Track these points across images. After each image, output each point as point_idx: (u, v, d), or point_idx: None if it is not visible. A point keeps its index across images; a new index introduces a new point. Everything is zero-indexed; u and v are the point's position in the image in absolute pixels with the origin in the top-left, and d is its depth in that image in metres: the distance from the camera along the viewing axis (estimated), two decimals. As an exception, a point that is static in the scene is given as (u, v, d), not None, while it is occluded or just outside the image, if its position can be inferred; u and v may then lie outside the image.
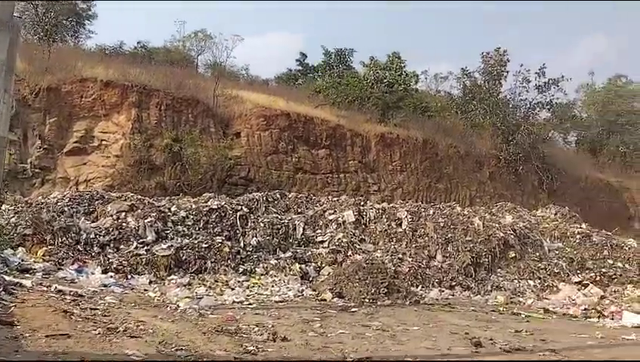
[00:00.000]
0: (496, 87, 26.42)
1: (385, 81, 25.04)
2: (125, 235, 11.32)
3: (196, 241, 11.55)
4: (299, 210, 14.22)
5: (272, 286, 10.55)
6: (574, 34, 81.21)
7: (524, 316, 8.97)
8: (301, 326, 7.17)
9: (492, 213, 14.94)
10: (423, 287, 11.51)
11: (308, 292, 10.34)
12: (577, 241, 14.09)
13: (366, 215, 13.91)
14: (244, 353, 5.49)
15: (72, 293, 7.85)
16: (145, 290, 9.62)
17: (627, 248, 13.85)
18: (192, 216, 12.36)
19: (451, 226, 13.48)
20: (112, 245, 11.09)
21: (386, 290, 10.07)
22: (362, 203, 14.77)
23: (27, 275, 8.73)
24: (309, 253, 12.45)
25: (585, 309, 9.27)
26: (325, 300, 9.75)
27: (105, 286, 9.10)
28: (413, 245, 12.96)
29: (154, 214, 12.05)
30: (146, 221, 11.85)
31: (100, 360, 4.76)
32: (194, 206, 12.75)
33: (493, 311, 9.51)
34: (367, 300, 9.69)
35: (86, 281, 9.23)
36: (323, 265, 12.06)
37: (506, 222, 14.11)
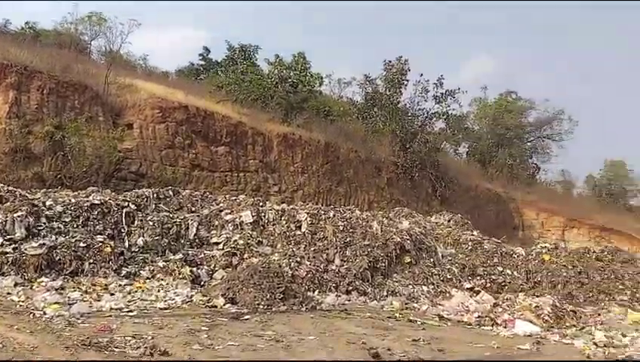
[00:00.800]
0: (396, 95, 26.95)
1: (289, 80, 24.66)
2: (-12, 231, 9.91)
3: (73, 240, 10.40)
4: (193, 209, 13.37)
5: (158, 292, 9.66)
6: (465, 54, 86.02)
7: (420, 323, 8.86)
8: (185, 338, 6.47)
9: (390, 218, 14.98)
10: (320, 292, 11.15)
11: (198, 298, 9.55)
12: (469, 248, 14.49)
13: (265, 216, 13.35)
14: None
15: None
16: (8, 294, 8.44)
17: (516, 256, 14.43)
18: (70, 212, 11.11)
19: (350, 230, 13.27)
20: (-30, 242, 9.65)
21: (282, 295, 9.57)
22: (261, 203, 14.21)
23: None
24: (202, 255, 11.67)
25: (479, 316, 9.36)
26: (216, 307, 9.06)
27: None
28: (312, 248, 12.59)
29: (25, 208, 10.68)
30: (15, 215, 10.47)
31: None
32: (73, 200, 11.48)
33: (389, 317, 9.33)
34: (262, 306, 9.13)
35: None
36: (216, 269, 11.33)
37: (403, 227, 14.16)
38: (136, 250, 11.14)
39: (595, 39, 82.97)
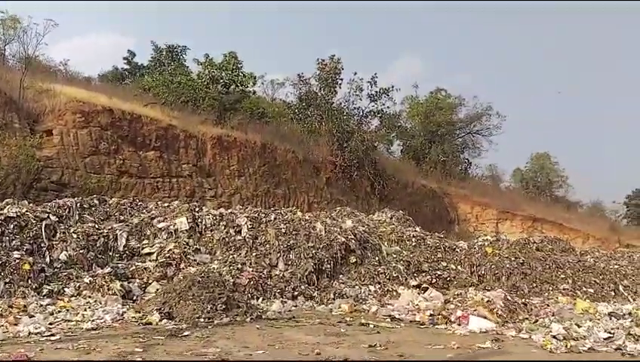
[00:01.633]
0: (331, 94, 26.74)
1: (221, 81, 23.82)
2: None
3: (-15, 258, 9.25)
4: (122, 218, 12.41)
5: (85, 310, 8.69)
6: (393, 54, 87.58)
7: (373, 326, 8.42)
8: (117, 363, 5.69)
9: (333, 218, 14.54)
10: (264, 299, 10.52)
11: (130, 315, 8.67)
12: (413, 244, 14.27)
13: (201, 222, 12.58)
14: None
15: None
16: None
17: (459, 250, 14.36)
18: (-20, 227, 9.91)
19: (293, 232, 12.71)
20: None
21: (224, 306, 8.88)
22: (197, 209, 13.36)
23: None
24: (134, 267, 10.77)
25: (431, 315, 9.04)
26: (151, 324, 8.22)
27: None
28: (254, 253, 11.93)
29: None
30: None
31: None
32: (-16, 214, 10.27)
33: (340, 322, 8.83)
34: (202, 320, 8.40)
35: None
36: (150, 281, 10.46)
37: (347, 226, 13.76)
38: (59, 265, 10.12)
39: (521, 39, 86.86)
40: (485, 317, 8.43)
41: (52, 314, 8.47)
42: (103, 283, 9.79)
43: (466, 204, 31.53)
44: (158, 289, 9.90)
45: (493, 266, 13.50)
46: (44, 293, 9.34)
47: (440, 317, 8.88)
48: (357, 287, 11.97)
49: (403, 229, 15.08)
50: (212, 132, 21.14)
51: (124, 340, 6.94)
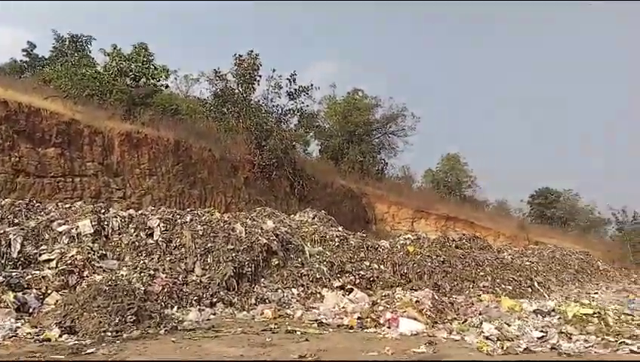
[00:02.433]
0: (249, 91, 25.93)
1: (130, 73, 22.28)
2: None
3: None
4: (16, 221, 11.08)
5: (-30, 328, 7.50)
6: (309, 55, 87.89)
7: (300, 333, 7.88)
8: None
9: (253, 219, 13.86)
10: (179, 308, 9.70)
11: (25, 331, 7.58)
12: (336, 244, 13.94)
13: (108, 224, 11.48)
14: None
15: None
16: None
17: (381, 249, 14.20)
18: None
19: (211, 234, 11.94)
20: None
21: (134, 318, 8.00)
22: (103, 210, 12.21)
23: None
24: (30, 276, 9.53)
25: (359, 318, 8.66)
26: (50, 340, 7.20)
27: None
28: (168, 258, 11.04)
29: None
30: None
31: None
32: None
33: (264, 330, 8.21)
34: (110, 334, 7.49)
35: None
36: (49, 292, 9.28)
37: (268, 227, 13.17)
38: (-64, 278, 8.73)
39: (431, 40, 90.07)
40: (415, 319, 8.17)
41: None
42: (-7, 295, 8.56)
43: (382, 203, 31.92)
44: (58, 301, 8.80)
45: (415, 265, 13.46)
46: None
47: (369, 320, 8.52)
48: (280, 291, 11.45)
49: (326, 229, 14.72)
50: (120, 128, 19.64)
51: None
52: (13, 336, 7.38)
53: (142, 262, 10.68)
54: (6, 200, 12.19)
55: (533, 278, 14.03)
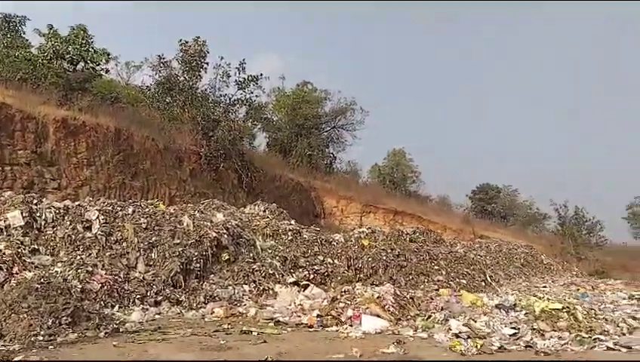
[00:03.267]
0: (195, 79, 24.84)
1: (67, 56, 20.78)
2: None
3: None
4: None
5: None
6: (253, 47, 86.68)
7: (256, 334, 7.27)
8: None
9: (201, 211, 13.07)
10: (121, 307, 8.91)
11: (-59, 337, 6.63)
12: (289, 238, 13.36)
13: (41, 216, 10.44)
14: None
15: None
16: None
17: (335, 243, 13.75)
18: None
19: (156, 228, 11.10)
20: None
21: (69, 319, 7.20)
22: (35, 201, 11.11)
23: None
24: (-52, 274, 8.46)
25: (319, 316, 8.13)
26: (-31, 347, 6.31)
27: None
28: (108, 253, 10.14)
29: None
30: None
31: None
32: None
33: (216, 331, 7.55)
34: (42, 338, 6.67)
35: None
36: (-29, 291, 8.25)
37: (218, 220, 12.43)
38: None
39: (383, 38, 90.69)
40: (378, 316, 7.73)
41: None
42: None
43: (331, 197, 31.61)
44: (-20, 302, 7.80)
45: (370, 259, 13.09)
46: None
47: (329, 318, 8.02)
48: (230, 288, 10.80)
49: (278, 223, 14.10)
50: (55, 114, 18.23)
51: None
52: None
53: (79, 257, 9.75)
54: None
55: (485, 272, 13.98)
